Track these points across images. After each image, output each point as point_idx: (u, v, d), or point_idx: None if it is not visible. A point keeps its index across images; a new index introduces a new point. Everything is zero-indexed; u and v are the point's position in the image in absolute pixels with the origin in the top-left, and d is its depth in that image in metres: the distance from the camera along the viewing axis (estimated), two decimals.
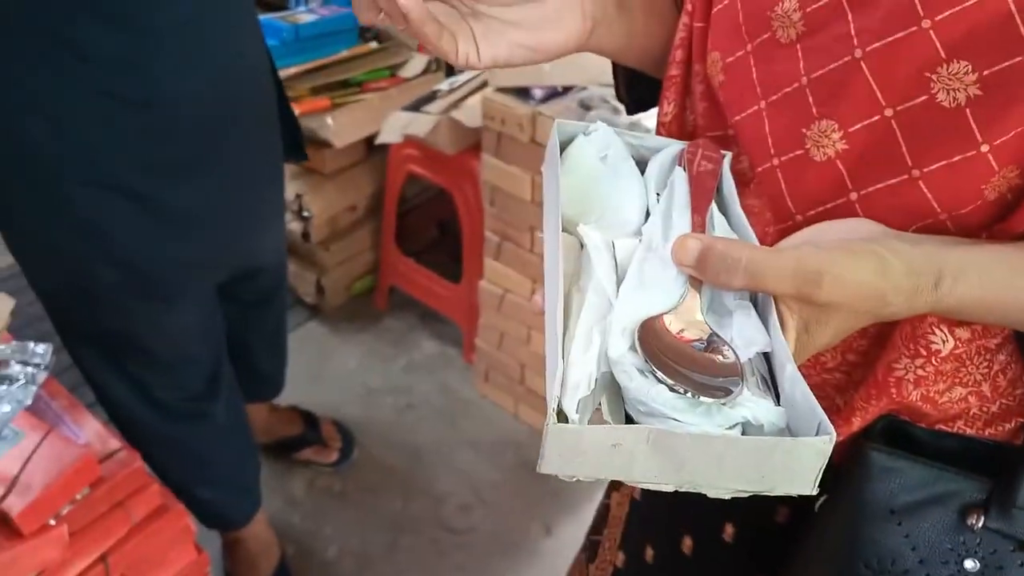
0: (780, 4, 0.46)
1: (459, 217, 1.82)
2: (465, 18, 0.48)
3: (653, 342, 0.38)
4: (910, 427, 0.52)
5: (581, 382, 0.36)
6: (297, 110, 1.71)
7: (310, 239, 1.93)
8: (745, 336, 0.39)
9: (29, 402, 0.90)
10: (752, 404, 0.36)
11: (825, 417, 0.34)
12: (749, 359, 0.39)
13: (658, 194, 0.47)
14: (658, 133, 0.58)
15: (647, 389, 0.36)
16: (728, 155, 0.49)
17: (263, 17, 1.83)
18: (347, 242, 2.02)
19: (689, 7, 0.54)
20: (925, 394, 0.49)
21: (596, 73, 1.44)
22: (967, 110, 0.41)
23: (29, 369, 0.93)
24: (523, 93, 1.46)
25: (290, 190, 1.86)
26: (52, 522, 0.84)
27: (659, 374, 0.36)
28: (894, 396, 0.49)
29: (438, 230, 2.29)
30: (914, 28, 0.41)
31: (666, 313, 0.40)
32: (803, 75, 0.46)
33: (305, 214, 1.88)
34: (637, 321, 0.39)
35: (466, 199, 1.76)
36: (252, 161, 1.16)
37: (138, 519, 0.94)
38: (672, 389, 0.36)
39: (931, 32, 0.40)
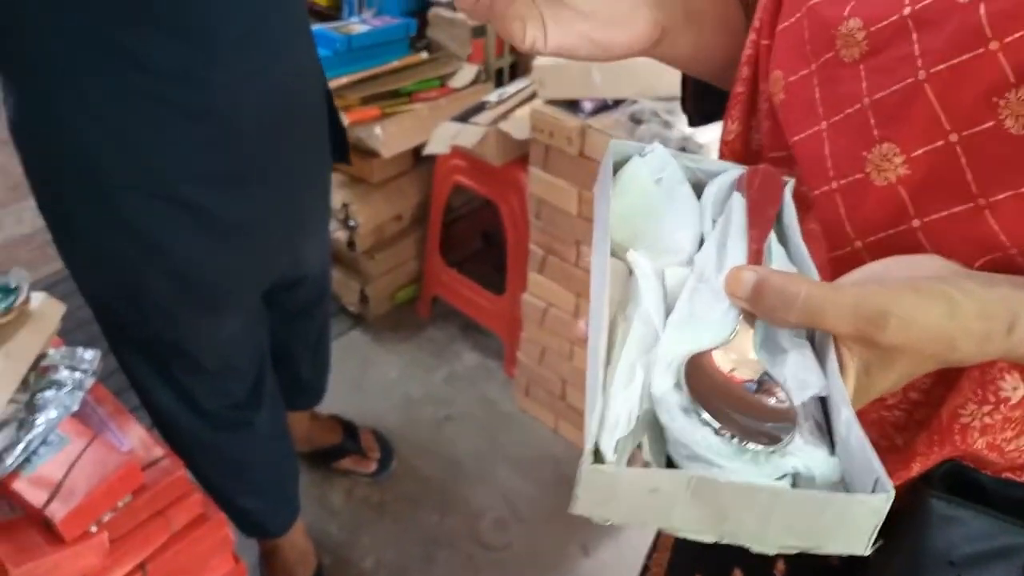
0: (845, 22, 0.44)
1: (504, 229, 1.81)
2: (536, 2, 0.47)
3: (701, 380, 0.36)
4: (974, 473, 0.49)
5: (620, 420, 0.34)
6: (347, 120, 1.73)
7: (355, 248, 1.94)
8: (799, 378, 0.37)
9: (76, 408, 0.91)
10: (804, 453, 0.34)
11: (883, 472, 0.31)
12: (803, 403, 0.37)
13: (714, 221, 0.45)
14: (721, 152, 0.56)
15: (691, 431, 0.34)
16: (791, 181, 0.47)
17: (316, 27, 1.85)
18: (392, 251, 2.02)
19: (757, 24, 0.52)
20: (991, 442, 0.46)
21: (646, 86, 1.42)
22: None
23: (77, 375, 0.95)
24: (572, 106, 1.45)
25: (337, 199, 1.87)
26: (93, 529, 0.85)
27: (704, 415, 0.34)
28: (958, 443, 0.46)
29: (482, 241, 2.28)
30: (981, 50, 0.38)
31: (716, 349, 0.37)
32: (865, 96, 0.44)
33: (351, 223, 1.89)
34: (684, 356, 0.37)
35: (512, 211, 1.75)
36: (303, 172, 1.17)
37: (178, 527, 0.94)
38: (718, 432, 0.34)
39: (999, 55, 0.38)
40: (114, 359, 1.21)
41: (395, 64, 1.88)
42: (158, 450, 0.94)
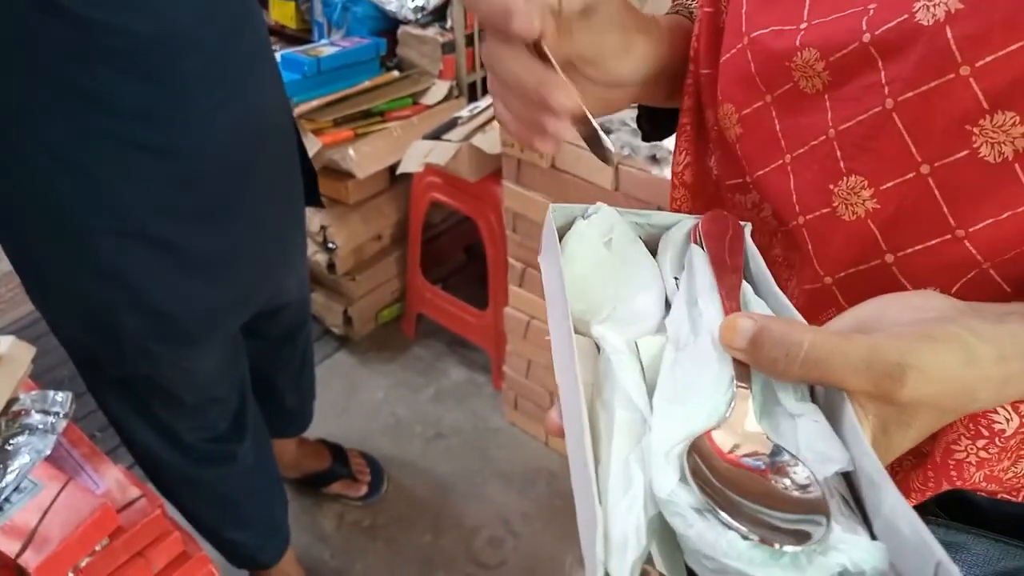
0: (799, 53, 0.42)
1: (484, 244, 1.80)
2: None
3: (706, 469, 0.31)
4: (969, 494, 0.47)
5: (629, 537, 0.29)
6: (320, 142, 1.72)
7: (336, 270, 1.93)
8: (816, 449, 0.32)
9: (48, 452, 0.90)
10: (848, 545, 0.29)
11: (945, 556, 0.27)
12: (825, 478, 0.32)
13: (676, 279, 0.42)
14: (672, 184, 0.54)
15: (714, 539, 0.29)
16: (748, 226, 0.44)
17: (285, 52, 1.85)
18: (373, 272, 2.01)
19: (692, 52, 0.51)
20: (989, 474, 0.44)
21: None
22: (1015, 165, 0.37)
23: (49, 418, 0.93)
24: None
25: (314, 222, 1.86)
26: (71, 575, 0.83)
27: (724, 516, 0.29)
28: (954, 479, 0.44)
29: (465, 255, 2.28)
30: (951, 76, 0.36)
31: (717, 427, 0.33)
32: (830, 127, 0.42)
33: (330, 245, 1.88)
34: (682, 443, 0.32)
35: (490, 226, 1.75)
36: (275, 203, 1.16)
37: (160, 567, 0.93)
38: (746, 537, 0.28)
39: (971, 80, 0.36)
40: (91, 399, 1.20)
41: (366, 84, 1.88)
42: (134, 490, 0.93)
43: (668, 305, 0.41)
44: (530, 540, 1.61)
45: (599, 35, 0.45)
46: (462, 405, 1.91)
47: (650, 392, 0.35)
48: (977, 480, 0.44)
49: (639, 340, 0.38)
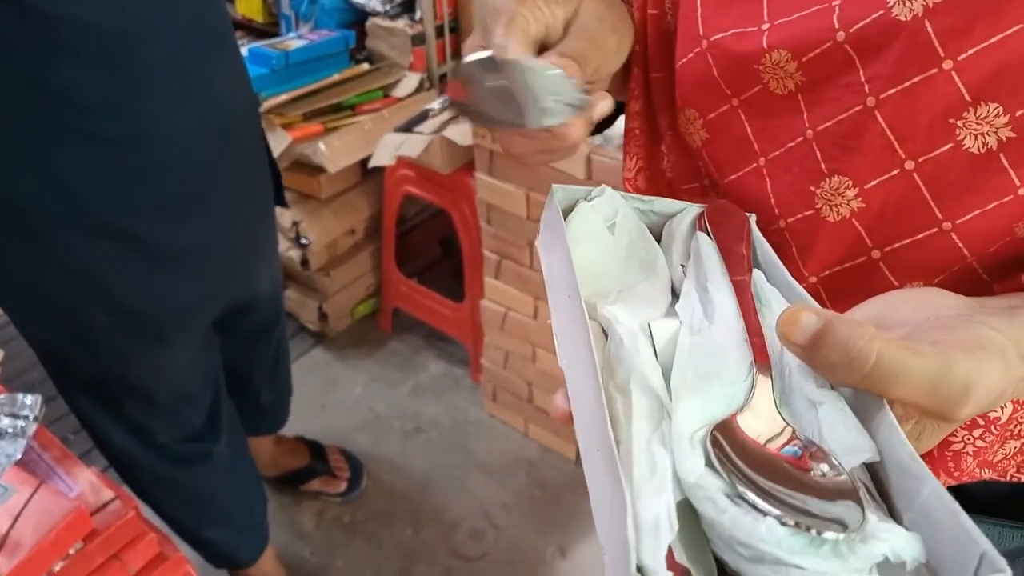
0: (768, 55, 0.41)
1: (459, 236, 1.80)
2: None
3: (733, 453, 0.29)
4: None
5: (661, 520, 0.27)
6: (290, 136, 1.70)
7: (309, 266, 1.91)
8: (842, 439, 0.31)
9: (19, 456, 0.88)
10: (888, 534, 0.27)
11: (990, 545, 0.26)
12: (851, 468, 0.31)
13: (682, 266, 0.41)
14: (624, 189, 0.53)
15: (751, 525, 0.27)
16: (752, 216, 0.43)
17: (252, 45, 1.82)
18: (348, 266, 2.00)
19: (640, 59, 0.50)
20: (984, 460, 0.44)
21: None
22: (1000, 155, 0.37)
23: (19, 422, 0.92)
24: None
25: (286, 217, 1.84)
26: None
27: (760, 502, 0.27)
28: (952, 470, 0.44)
29: (440, 248, 2.27)
30: (934, 70, 0.36)
31: (738, 413, 0.31)
32: (808, 128, 0.41)
33: (303, 241, 1.87)
34: (703, 428, 0.31)
35: (464, 218, 1.74)
36: (243, 196, 1.14)
37: (136, 570, 0.92)
38: (783, 522, 0.27)
39: (953, 74, 0.36)
40: (61, 404, 1.18)
41: (336, 77, 1.86)
42: (108, 492, 0.92)
43: (674, 293, 0.40)
44: (511, 531, 1.61)
45: (601, 49, 0.44)
46: (440, 399, 1.91)
47: (665, 376, 0.34)
48: (972, 468, 0.44)
49: (652, 323, 0.36)
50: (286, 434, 1.66)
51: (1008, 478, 0.47)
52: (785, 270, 0.39)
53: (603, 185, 0.43)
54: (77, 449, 1.54)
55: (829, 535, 0.27)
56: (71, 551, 0.85)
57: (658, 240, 0.43)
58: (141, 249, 1.01)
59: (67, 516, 0.83)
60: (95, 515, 0.88)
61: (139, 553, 0.91)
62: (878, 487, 0.31)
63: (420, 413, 1.87)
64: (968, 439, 0.43)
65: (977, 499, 0.46)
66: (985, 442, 0.43)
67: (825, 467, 0.30)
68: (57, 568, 0.83)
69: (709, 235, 0.41)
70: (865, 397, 0.32)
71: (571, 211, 0.42)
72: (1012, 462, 0.46)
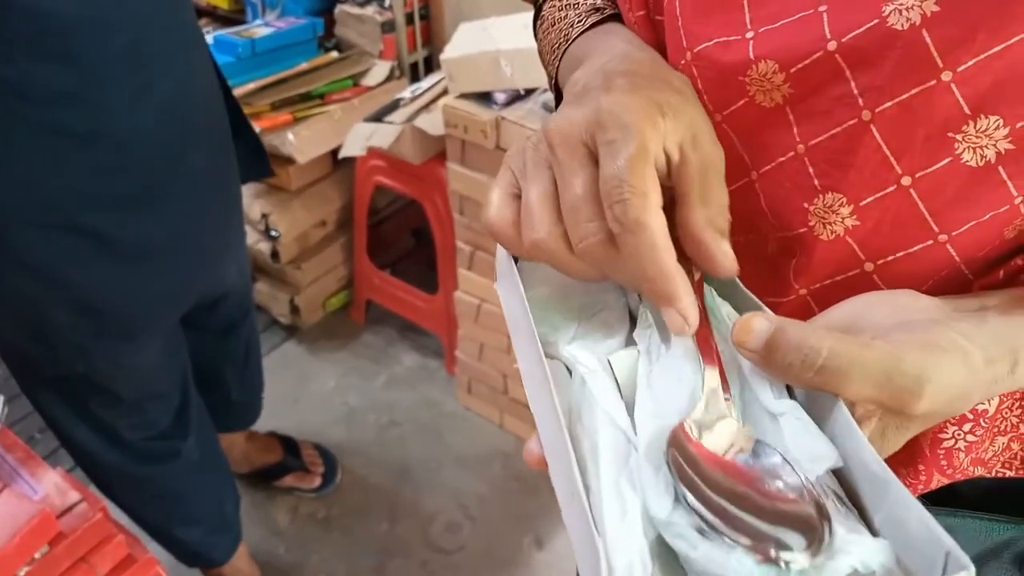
0: (754, 66, 0.39)
1: (431, 227, 1.78)
2: None
3: (693, 476, 0.30)
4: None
5: (634, 564, 0.28)
6: (258, 127, 1.67)
7: (280, 259, 1.88)
8: (805, 448, 0.31)
9: None
10: (854, 546, 0.28)
11: (954, 545, 0.26)
12: (817, 477, 0.31)
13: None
14: None
15: (721, 558, 0.28)
16: None
17: (217, 33, 1.79)
18: (319, 259, 1.97)
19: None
20: (976, 458, 0.44)
21: None
22: (999, 167, 0.36)
23: None
24: (485, 98, 1.42)
25: (255, 209, 1.81)
26: None
27: (728, 534, 0.28)
28: (944, 467, 0.43)
29: (413, 239, 2.25)
30: (932, 82, 0.34)
31: (687, 418, 0.32)
32: (799, 142, 0.39)
33: (273, 233, 1.84)
34: (664, 449, 0.31)
35: (436, 208, 1.72)
36: (208, 188, 1.12)
37: (104, 573, 0.90)
38: (751, 551, 0.27)
39: (953, 86, 0.34)
40: (26, 402, 1.15)
41: (304, 66, 1.83)
42: (74, 494, 0.89)
43: (633, 318, 0.40)
44: (488, 523, 1.60)
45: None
46: (415, 391, 1.89)
47: (629, 408, 0.34)
48: (966, 466, 0.44)
49: (611, 357, 0.36)
50: (259, 429, 1.64)
51: (993, 474, 0.46)
52: (739, 281, 0.38)
53: None
54: (43, 448, 1.51)
55: (795, 564, 0.27)
56: (36, 555, 0.83)
57: None
58: (104, 245, 0.98)
59: (32, 520, 0.81)
60: (61, 518, 0.86)
61: (107, 556, 0.89)
62: (847, 490, 0.31)
63: (395, 406, 1.85)
64: (959, 434, 0.42)
65: (963, 494, 0.46)
66: (976, 436, 0.42)
67: (787, 477, 0.30)
68: (22, 573, 0.81)
69: None
70: (821, 399, 0.32)
71: None
72: (999, 459, 0.45)
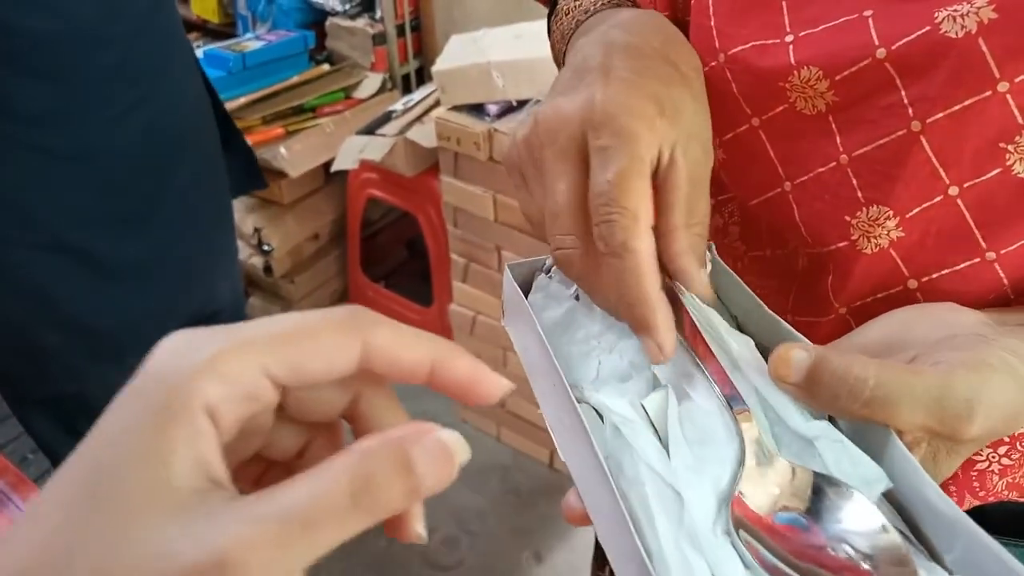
0: (796, 72, 0.37)
1: (425, 239, 1.77)
2: None
3: (758, 545, 0.28)
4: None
5: None
6: (250, 141, 1.66)
7: (273, 273, 1.87)
8: (851, 473, 0.30)
9: None
10: None
11: None
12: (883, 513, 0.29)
13: None
14: None
15: None
16: (711, 246, 0.39)
17: (208, 47, 1.78)
18: (312, 272, 1.96)
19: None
20: (1011, 482, 0.42)
21: (548, 85, 1.39)
22: None
23: None
24: (477, 110, 1.42)
25: (248, 224, 1.80)
26: None
27: None
28: (977, 490, 0.42)
29: (407, 251, 2.24)
30: (988, 93, 0.33)
31: (738, 486, 0.30)
32: (842, 153, 0.38)
33: (266, 247, 1.83)
34: (724, 511, 0.30)
35: (430, 221, 1.71)
36: (198, 204, 1.11)
37: None
38: None
39: (1008, 97, 0.33)
40: (17, 424, 1.13)
41: (295, 79, 1.83)
42: None
43: None
44: (486, 538, 1.58)
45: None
46: (412, 403, 1.85)
47: (665, 446, 0.32)
48: (1000, 489, 0.42)
49: (644, 402, 0.34)
50: None
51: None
52: (760, 303, 0.36)
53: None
54: (35, 469, 1.49)
55: None
56: None
57: None
58: (93, 263, 0.97)
59: None
60: None
61: None
62: (910, 527, 0.30)
63: None
64: (993, 457, 0.41)
65: (993, 517, 0.45)
66: (1011, 459, 0.41)
67: (847, 547, 0.28)
68: None
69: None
70: (870, 431, 0.30)
71: (530, 286, 0.40)
72: None
